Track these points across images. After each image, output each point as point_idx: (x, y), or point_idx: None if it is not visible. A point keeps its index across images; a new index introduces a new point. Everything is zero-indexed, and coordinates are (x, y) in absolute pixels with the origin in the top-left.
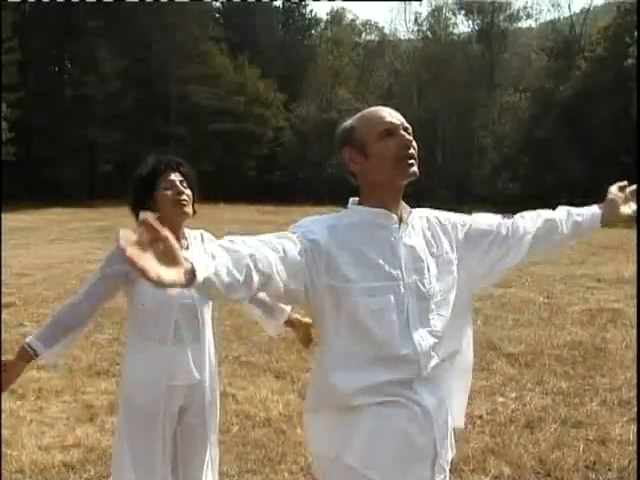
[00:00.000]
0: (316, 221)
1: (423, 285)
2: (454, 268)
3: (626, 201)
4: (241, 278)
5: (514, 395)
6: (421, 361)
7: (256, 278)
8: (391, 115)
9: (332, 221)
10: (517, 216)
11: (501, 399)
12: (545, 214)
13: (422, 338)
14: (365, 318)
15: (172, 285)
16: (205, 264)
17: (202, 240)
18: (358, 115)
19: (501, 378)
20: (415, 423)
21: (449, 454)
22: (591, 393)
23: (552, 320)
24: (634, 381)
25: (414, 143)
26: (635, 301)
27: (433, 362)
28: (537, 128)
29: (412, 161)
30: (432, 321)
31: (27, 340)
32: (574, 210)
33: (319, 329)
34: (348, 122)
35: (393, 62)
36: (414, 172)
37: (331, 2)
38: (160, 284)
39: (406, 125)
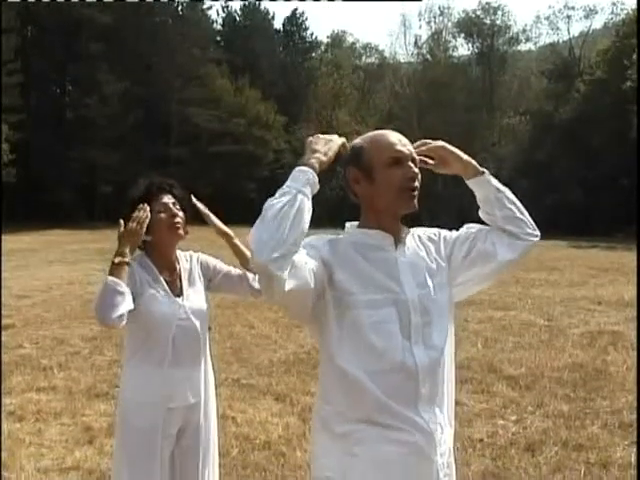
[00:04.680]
0: (317, 238)
1: (425, 298)
2: (447, 279)
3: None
4: None
5: (514, 418)
6: (420, 375)
7: None
8: (401, 143)
9: (332, 237)
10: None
11: (501, 422)
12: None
13: (423, 352)
14: (366, 330)
15: None
16: None
17: (191, 261)
18: (368, 136)
19: (501, 401)
20: (416, 451)
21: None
22: (592, 416)
23: (552, 343)
24: (635, 404)
25: (419, 176)
26: (635, 323)
27: (434, 378)
28: (537, 150)
29: (415, 193)
30: (434, 335)
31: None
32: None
33: (322, 347)
34: (357, 141)
35: (393, 85)
36: (414, 205)
37: (332, 25)
38: None
39: (414, 156)
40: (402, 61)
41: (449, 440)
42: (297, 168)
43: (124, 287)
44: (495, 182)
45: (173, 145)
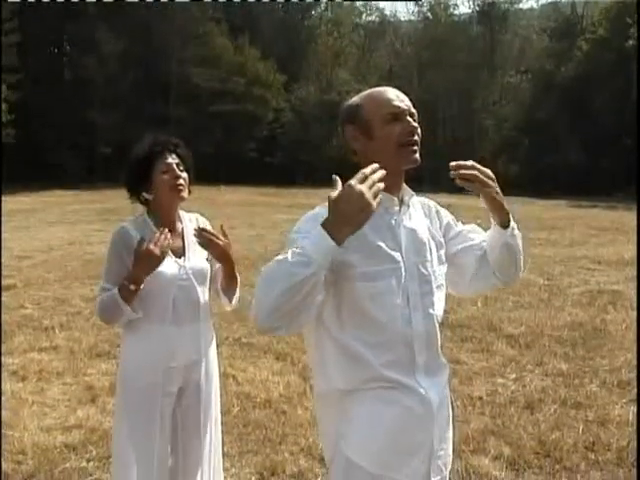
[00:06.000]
0: (313, 219)
1: (425, 268)
2: (445, 254)
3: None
4: None
5: (514, 376)
6: (416, 345)
7: None
8: (399, 99)
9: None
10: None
11: (501, 380)
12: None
13: (420, 322)
14: (366, 303)
15: None
16: None
17: (197, 223)
18: (365, 94)
19: (501, 359)
20: (413, 415)
21: (448, 457)
22: (591, 374)
23: (552, 302)
24: (634, 362)
25: (419, 130)
26: (635, 283)
27: (431, 347)
28: (538, 109)
29: (415, 148)
30: (433, 304)
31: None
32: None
33: (318, 322)
34: (354, 99)
35: (393, 43)
36: (416, 159)
37: None
38: None
39: (412, 111)
40: (403, 19)
41: (448, 407)
42: (323, 233)
43: (131, 310)
44: (511, 238)
45: (173, 105)
